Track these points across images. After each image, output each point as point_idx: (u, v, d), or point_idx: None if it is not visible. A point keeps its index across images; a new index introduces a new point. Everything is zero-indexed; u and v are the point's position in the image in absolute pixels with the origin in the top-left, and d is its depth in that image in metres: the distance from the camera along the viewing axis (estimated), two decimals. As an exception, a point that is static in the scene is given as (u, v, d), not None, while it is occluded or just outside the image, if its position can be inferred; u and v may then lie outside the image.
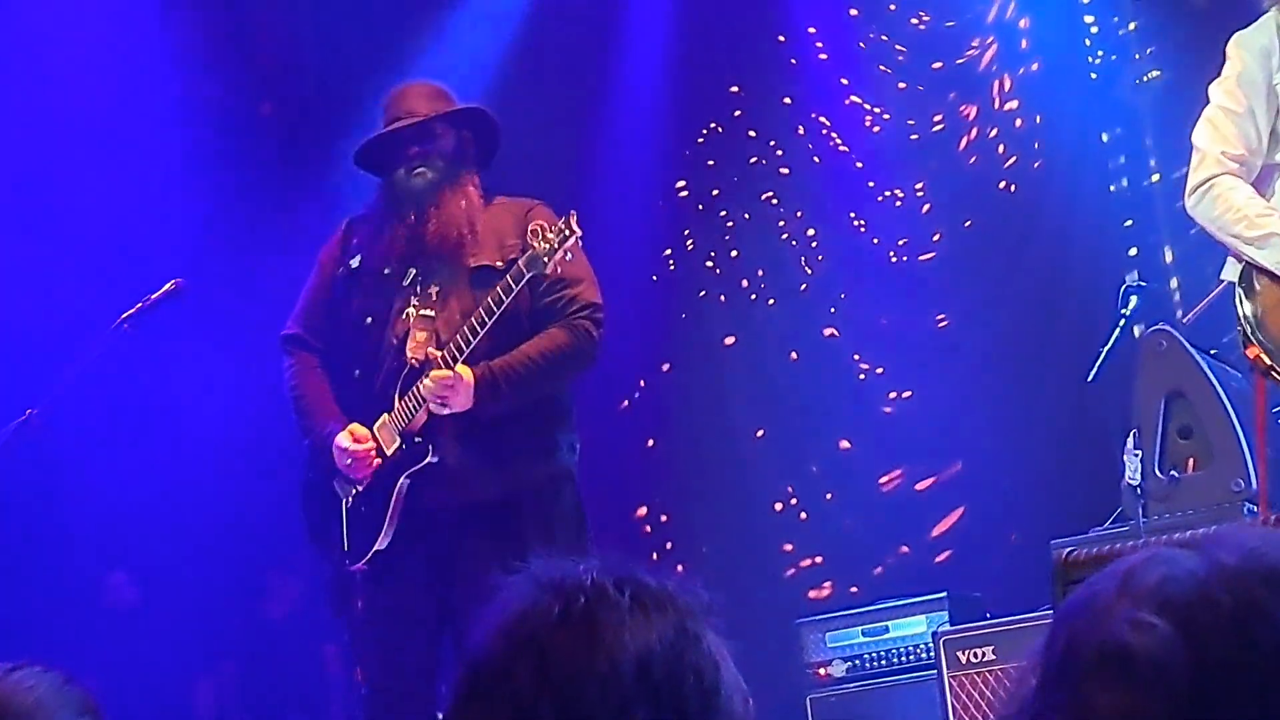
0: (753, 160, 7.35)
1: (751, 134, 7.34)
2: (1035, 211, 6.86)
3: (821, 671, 5.61)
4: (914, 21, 7.08)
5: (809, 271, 7.25)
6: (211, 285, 5.97)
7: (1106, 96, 6.71)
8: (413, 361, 4.71)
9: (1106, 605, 1.17)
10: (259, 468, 6.28)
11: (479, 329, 4.58)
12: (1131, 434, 5.01)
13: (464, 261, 4.79)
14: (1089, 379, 5.36)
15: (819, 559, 7.03)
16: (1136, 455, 4.83)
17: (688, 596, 1.50)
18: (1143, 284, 5.60)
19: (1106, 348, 5.34)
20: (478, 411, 4.64)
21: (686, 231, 7.45)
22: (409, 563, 4.75)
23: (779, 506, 7.16)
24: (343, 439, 4.77)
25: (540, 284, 4.71)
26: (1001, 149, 6.93)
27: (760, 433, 7.27)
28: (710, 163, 7.44)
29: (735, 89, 7.41)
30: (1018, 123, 6.91)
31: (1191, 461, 4.77)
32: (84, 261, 6.40)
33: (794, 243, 7.29)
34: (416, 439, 4.70)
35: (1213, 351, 5.04)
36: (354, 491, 4.77)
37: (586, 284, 4.78)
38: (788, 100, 7.28)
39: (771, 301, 7.30)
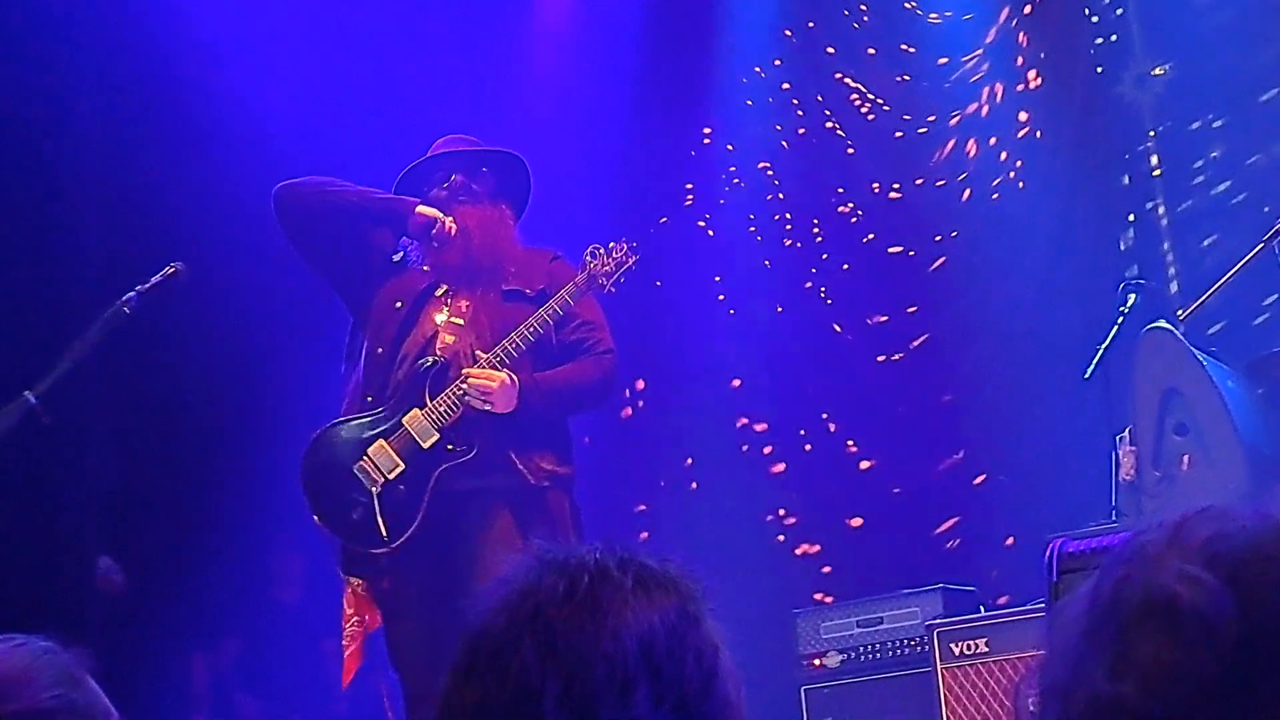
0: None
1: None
2: (1035, 206, 6.87)
3: (816, 662, 5.62)
4: (933, 17, 7.09)
5: (798, 246, 7.25)
6: (212, 269, 5.97)
7: (1108, 93, 6.73)
8: (441, 356, 4.82)
9: (1156, 555, 1.15)
10: (257, 450, 6.29)
11: (530, 338, 4.81)
12: (1127, 430, 5.02)
13: (498, 284, 4.97)
14: (1086, 375, 5.37)
15: (816, 547, 7.04)
16: (1132, 452, 4.84)
17: (687, 580, 1.51)
18: (1141, 281, 5.61)
19: (1105, 344, 5.35)
20: (516, 416, 4.81)
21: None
22: (437, 548, 4.83)
23: (776, 510, 7.16)
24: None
25: (569, 322, 4.95)
26: (1003, 149, 6.95)
27: (758, 425, 7.26)
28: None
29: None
30: (1020, 117, 6.92)
31: (1187, 459, 4.78)
32: (83, 243, 6.39)
33: (782, 216, 7.28)
34: (457, 435, 4.82)
35: (1212, 349, 5.05)
36: (383, 480, 4.84)
37: (608, 332, 5.06)
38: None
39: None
